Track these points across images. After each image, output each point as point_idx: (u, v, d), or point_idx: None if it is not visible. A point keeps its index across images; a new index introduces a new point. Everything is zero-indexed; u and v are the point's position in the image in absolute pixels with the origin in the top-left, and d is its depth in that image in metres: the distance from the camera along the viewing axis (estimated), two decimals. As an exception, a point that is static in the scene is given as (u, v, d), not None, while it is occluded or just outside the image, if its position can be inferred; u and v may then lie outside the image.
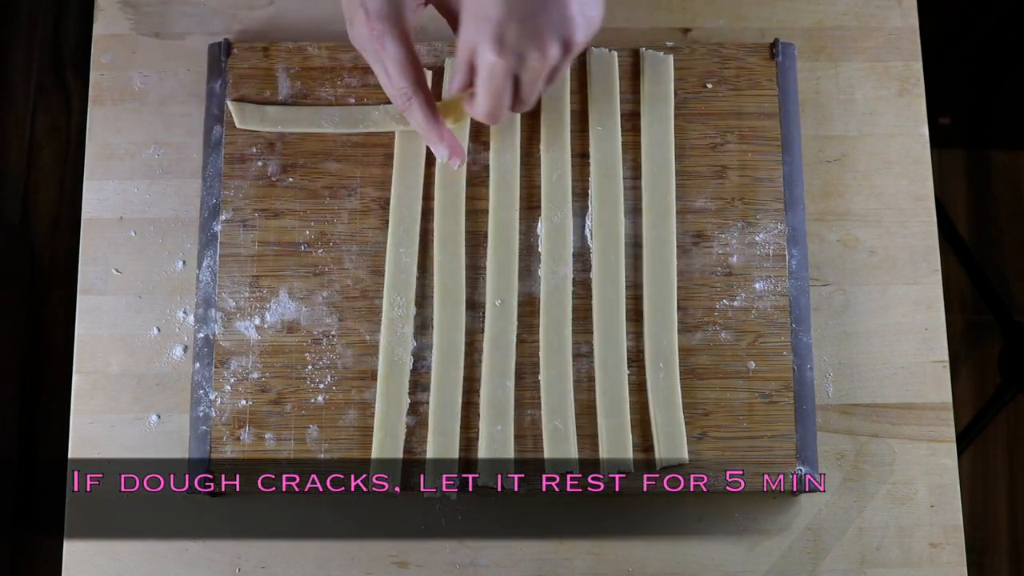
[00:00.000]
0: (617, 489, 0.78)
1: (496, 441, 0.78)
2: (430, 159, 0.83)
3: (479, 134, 0.84)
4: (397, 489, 0.77)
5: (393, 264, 0.81)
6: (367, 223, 0.82)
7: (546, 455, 0.78)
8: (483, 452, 0.78)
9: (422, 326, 0.81)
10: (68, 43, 1.75)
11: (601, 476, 0.77)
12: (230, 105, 0.84)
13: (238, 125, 0.83)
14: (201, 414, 0.79)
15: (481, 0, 0.66)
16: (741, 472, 0.78)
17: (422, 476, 0.78)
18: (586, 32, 0.68)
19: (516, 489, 0.77)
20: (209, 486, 0.78)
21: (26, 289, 1.62)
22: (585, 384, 0.80)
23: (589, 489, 0.78)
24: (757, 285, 0.81)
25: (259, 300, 0.81)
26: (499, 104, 0.72)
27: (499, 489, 0.77)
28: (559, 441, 0.78)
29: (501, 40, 0.67)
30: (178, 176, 0.86)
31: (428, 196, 0.83)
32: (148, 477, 0.80)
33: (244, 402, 0.79)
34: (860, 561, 0.80)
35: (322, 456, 0.78)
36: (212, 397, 0.79)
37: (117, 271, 0.84)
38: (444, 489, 0.77)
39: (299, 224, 0.82)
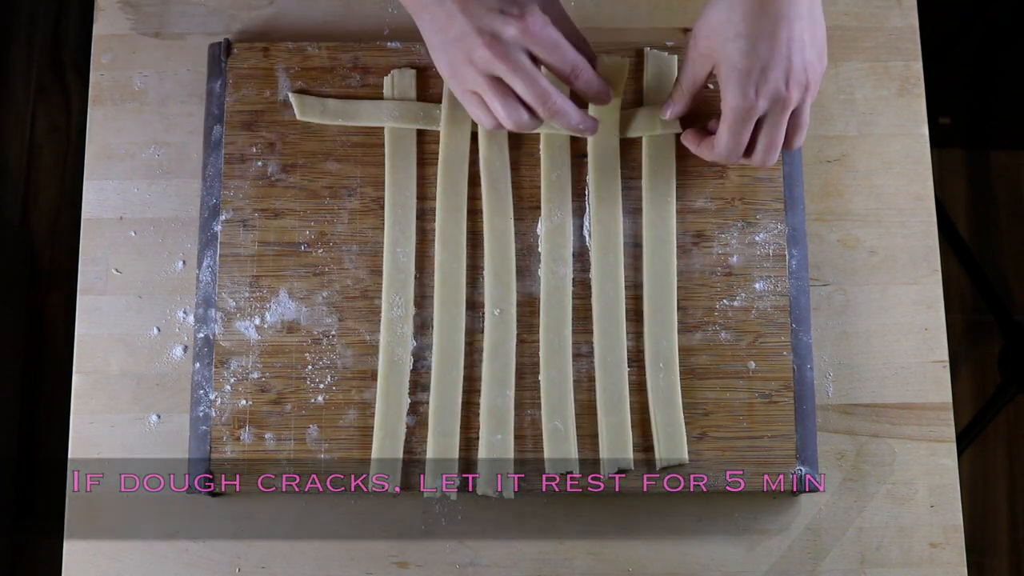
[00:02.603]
0: (617, 489, 0.78)
1: (496, 450, 0.78)
2: (423, 159, 0.83)
3: (472, 135, 0.84)
4: (397, 489, 0.77)
5: (391, 264, 0.81)
6: (367, 223, 0.82)
7: (546, 455, 0.78)
8: (483, 460, 0.77)
9: (422, 326, 0.81)
10: (68, 43, 1.75)
11: (601, 476, 0.77)
12: (291, 97, 0.84)
13: (299, 117, 0.84)
14: (201, 414, 0.79)
15: (725, 48, 0.72)
16: (741, 472, 0.78)
17: (422, 476, 0.78)
18: (818, 73, 0.74)
19: (516, 489, 0.77)
20: (209, 486, 0.78)
21: (26, 289, 1.62)
22: (585, 384, 0.80)
23: (589, 489, 0.78)
24: (757, 285, 0.81)
25: (259, 300, 0.81)
26: (738, 145, 0.75)
27: (499, 488, 0.77)
28: (559, 441, 0.78)
29: (747, 88, 0.72)
30: (178, 176, 0.86)
31: (429, 196, 0.83)
32: (148, 477, 0.80)
33: (244, 402, 0.79)
34: (860, 561, 0.80)
35: (322, 456, 0.78)
36: (212, 397, 0.79)
37: (117, 271, 0.84)
38: (444, 489, 0.77)
39: (299, 224, 0.82)
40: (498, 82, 0.73)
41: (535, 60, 0.73)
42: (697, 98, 0.79)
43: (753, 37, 0.71)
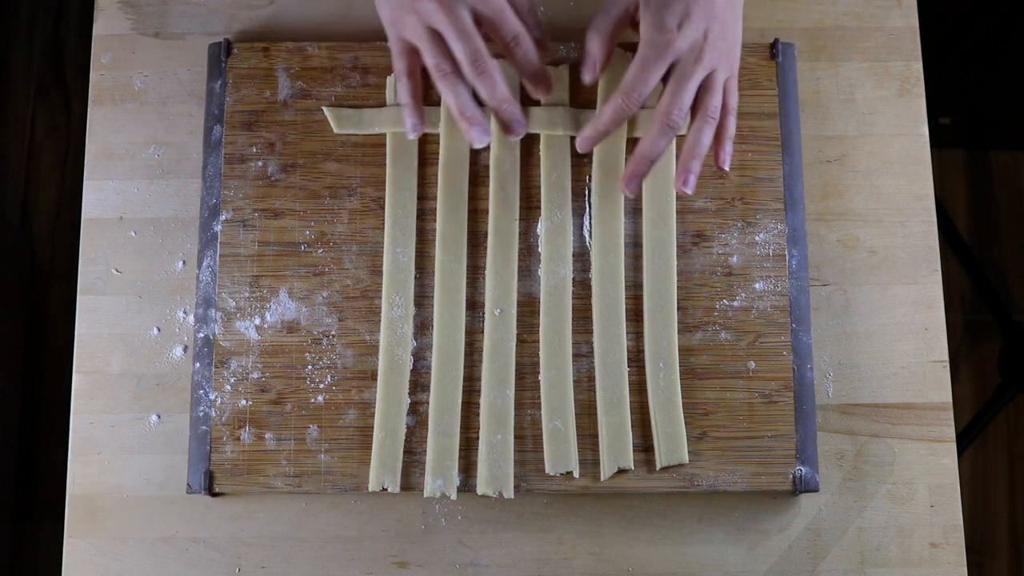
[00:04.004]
0: (617, 489, 0.78)
1: (496, 450, 0.78)
2: (423, 159, 0.83)
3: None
4: (397, 489, 0.77)
5: (391, 264, 0.81)
6: (367, 223, 0.82)
7: (546, 455, 0.78)
8: (483, 460, 0.78)
9: (422, 326, 0.81)
10: (68, 43, 1.75)
11: (601, 476, 0.77)
12: (326, 111, 0.84)
13: (336, 131, 0.83)
14: (201, 414, 0.79)
15: None
16: (741, 472, 0.78)
17: (422, 476, 0.78)
18: (736, 55, 0.76)
19: (516, 489, 0.77)
20: (209, 486, 0.78)
21: (26, 289, 1.62)
22: (585, 384, 0.80)
23: (589, 489, 0.78)
24: (757, 285, 0.81)
25: (259, 300, 0.81)
26: (645, 83, 0.74)
27: (499, 488, 0.77)
28: (559, 441, 0.78)
29: (668, 20, 0.73)
30: (178, 176, 0.86)
31: (429, 196, 0.83)
32: (148, 477, 0.80)
33: (244, 402, 0.79)
34: (860, 561, 0.80)
35: (322, 456, 0.78)
36: (212, 397, 0.79)
37: (117, 271, 0.84)
38: (444, 489, 0.77)
39: (299, 224, 0.82)
40: (436, 36, 0.74)
41: (480, 24, 0.74)
42: (613, 48, 0.78)
43: None
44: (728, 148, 0.78)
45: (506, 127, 0.78)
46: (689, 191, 0.77)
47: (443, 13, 0.72)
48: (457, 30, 0.73)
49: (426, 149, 0.84)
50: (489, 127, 0.77)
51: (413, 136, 0.80)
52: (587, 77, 0.77)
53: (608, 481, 0.78)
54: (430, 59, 0.75)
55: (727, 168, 0.79)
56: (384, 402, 0.79)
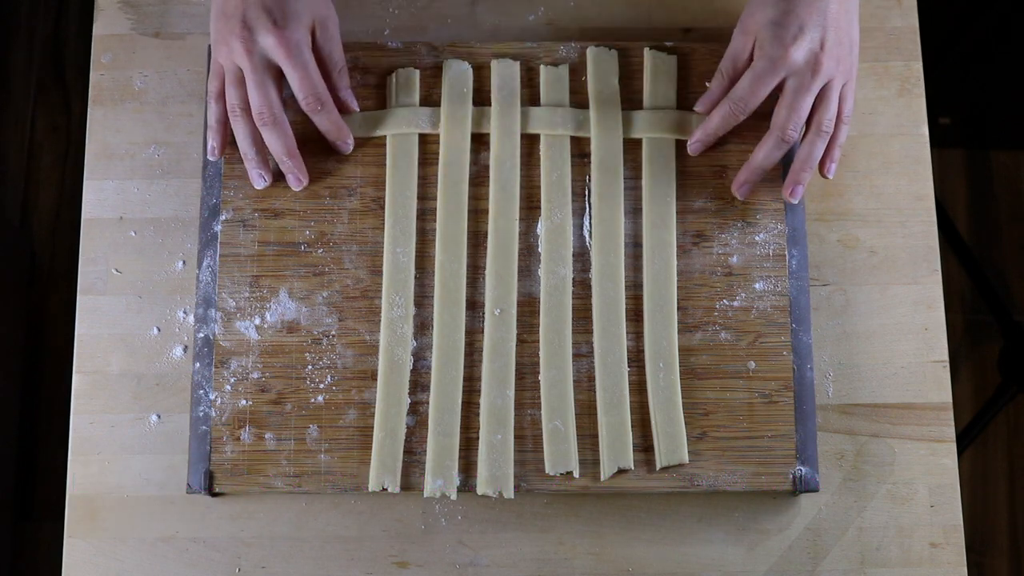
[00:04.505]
0: (617, 489, 0.78)
1: (496, 450, 0.78)
2: (424, 159, 0.83)
3: (480, 136, 0.84)
4: (397, 489, 0.77)
5: (391, 264, 0.81)
6: (367, 223, 0.82)
7: (546, 455, 0.78)
8: (483, 460, 0.78)
9: (422, 326, 0.81)
10: (68, 43, 1.75)
11: (601, 475, 0.77)
12: None
13: None
14: (201, 414, 0.79)
15: (765, 13, 0.77)
16: (741, 472, 0.78)
17: (422, 476, 0.78)
18: (855, 56, 0.79)
19: (516, 489, 0.77)
20: (209, 486, 0.78)
21: (26, 289, 1.62)
22: (585, 384, 0.80)
23: (589, 489, 0.78)
24: (757, 285, 0.81)
25: (259, 300, 0.81)
26: (756, 95, 0.78)
27: (499, 488, 0.77)
28: (559, 441, 0.78)
29: (782, 36, 0.76)
30: (178, 176, 0.86)
31: (430, 196, 0.83)
32: (148, 477, 0.80)
33: (244, 402, 0.79)
34: (860, 561, 0.80)
35: (322, 456, 0.78)
36: (212, 397, 0.79)
37: (117, 271, 0.84)
38: (444, 489, 0.77)
39: (299, 224, 0.82)
40: (240, 74, 0.78)
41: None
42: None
43: (792, 2, 0.75)
44: (836, 155, 0.81)
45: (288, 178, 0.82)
46: (795, 201, 0.81)
47: (246, 58, 0.77)
48: (255, 79, 0.77)
49: (426, 149, 0.84)
50: (267, 174, 0.81)
51: (212, 159, 0.82)
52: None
53: (608, 481, 0.78)
54: (229, 96, 0.79)
55: (831, 176, 0.81)
56: (384, 402, 0.79)
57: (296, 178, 0.81)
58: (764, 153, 0.79)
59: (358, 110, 0.83)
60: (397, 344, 0.80)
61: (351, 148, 0.83)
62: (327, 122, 0.81)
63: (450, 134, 0.83)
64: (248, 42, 0.76)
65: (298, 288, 0.81)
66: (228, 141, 0.82)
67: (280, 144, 0.80)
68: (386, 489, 0.77)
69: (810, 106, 0.78)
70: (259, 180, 0.81)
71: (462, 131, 0.83)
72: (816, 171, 0.81)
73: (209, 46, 0.86)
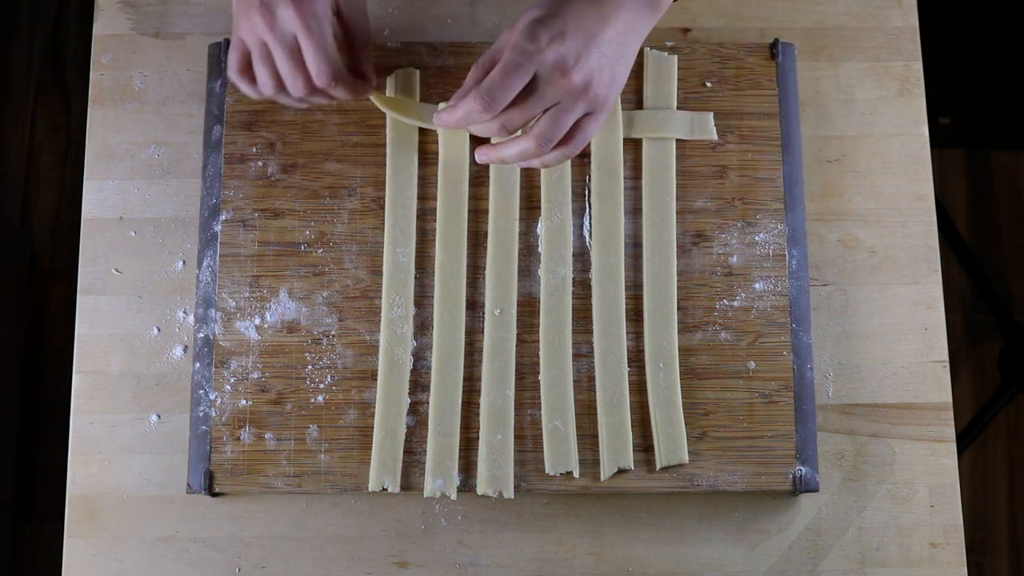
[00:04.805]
0: (617, 489, 0.78)
1: (496, 450, 0.78)
2: (424, 159, 0.83)
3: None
4: (397, 489, 0.77)
5: (391, 264, 0.81)
6: (367, 223, 0.82)
7: (546, 455, 0.78)
8: (483, 460, 0.78)
9: (422, 326, 0.81)
10: (68, 43, 1.75)
11: (601, 476, 0.77)
12: (374, 99, 0.82)
13: (395, 117, 0.83)
14: (201, 414, 0.79)
15: (531, 11, 0.70)
16: (741, 472, 0.78)
17: (422, 476, 0.78)
18: (612, 90, 0.71)
19: (516, 489, 0.77)
20: (209, 486, 0.78)
21: (26, 289, 1.62)
22: (585, 384, 0.80)
23: (589, 489, 0.78)
24: (757, 285, 0.81)
25: (259, 300, 0.81)
26: (504, 91, 0.69)
27: (499, 488, 0.77)
28: (559, 441, 0.78)
29: (538, 32, 0.69)
30: (178, 176, 0.86)
31: (430, 196, 0.83)
32: (148, 477, 0.80)
33: (244, 402, 0.79)
34: (860, 561, 0.80)
35: (322, 456, 0.78)
36: (212, 397, 0.79)
37: (117, 271, 0.84)
38: (444, 489, 0.77)
39: (299, 224, 0.82)
40: (266, 48, 0.75)
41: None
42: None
43: (563, 7, 0.70)
44: (525, 157, 0.74)
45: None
46: (479, 160, 0.76)
47: (269, 33, 0.74)
48: (281, 52, 0.74)
49: (426, 149, 0.84)
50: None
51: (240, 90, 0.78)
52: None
53: (608, 481, 0.78)
54: (260, 74, 0.76)
55: (481, 161, 0.76)
56: (384, 402, 0.79)
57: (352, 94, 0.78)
58: (513, 152, 0.73)
59: (375, 86, 0.81)
60: (397, 344, 0.80)
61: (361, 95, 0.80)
62: (340, 98, 0.78)
63: (450, 134, 0.83)
64: (268, 16, 0.74)
65: (298, 288, 0.81)
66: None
67: (325, 103, 0.79)
68: (386, 489, 0.77)
69: (568, 127, 0.71)
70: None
71: (460, 131, 0.83)
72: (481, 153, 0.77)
73: (209, 46, 0.86)
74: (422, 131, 0.84)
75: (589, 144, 0.83)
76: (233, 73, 0.77)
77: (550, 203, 0.82)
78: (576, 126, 0.71)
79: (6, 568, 1.53)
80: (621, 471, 0.78)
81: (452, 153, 0.83)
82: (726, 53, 0.86)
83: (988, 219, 1.73)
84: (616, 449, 0.78)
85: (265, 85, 0.76)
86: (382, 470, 0.77)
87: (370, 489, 0.77)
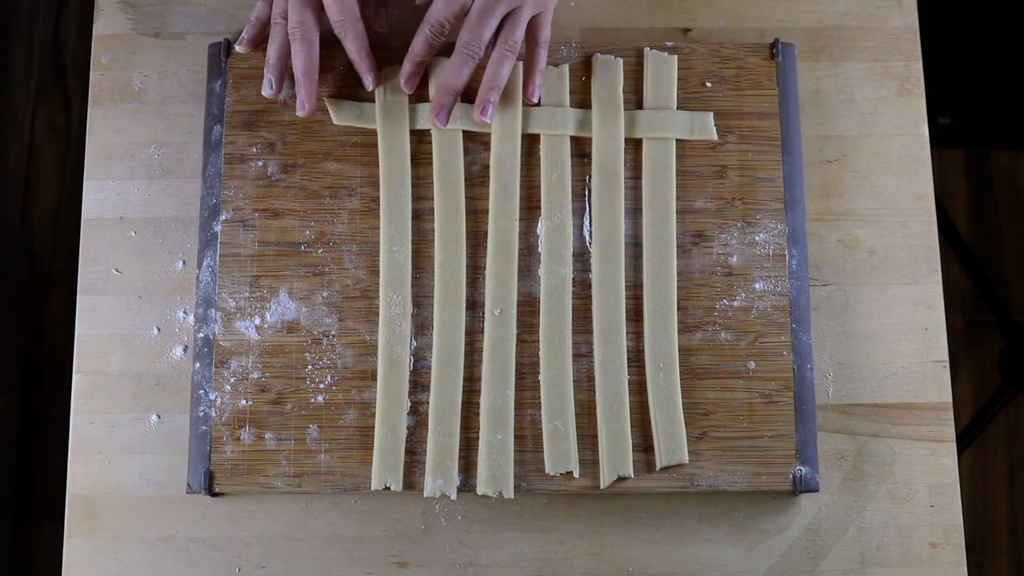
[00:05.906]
0: (617, 489, 0.78)
1: (496, 450, 0.78)
2: (424, 159, 0.83)
3: (480, 135, 0.84)
4: (400, 487, 0.77)
5: (387, 263, 0.81)
6: (367, 223, 0.82)
7: (546, 455, 0.78)
8: (483, 460, 0.78)
9: (422, 326, 0.81)
10: (68, 43, 1.75)
11: (601, 483, 0.77)
12: (326, 101, 0.84)
13: (335, 121, 0.84)
14: (201, 414, 0.79)
15: None
16: (741, 472, 0.78)
17: (422, 476, 0.78)
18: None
19: (516, 489, 0.77)
20: (209, 486, 0.78)
21: (26, 289, 1.62)
22: (585, 384, 0.80)
23: (589, 489, 0.78)
24: (757, 285, 0.81)
25: (259, 300, 0.81)
26: (450, 7, 0.78)
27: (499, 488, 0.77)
28: (559, 441, 0.78)
29: None
30: (178, 176, 0.86)
31: (429, 196, 0.83)
32: (148, 477, 0.80)
33: (244, 402, 0.79)
34: (860, 561, 0.80)
35: (322, 456, 0.78)
36: (212, 397, 0.79)
37: (117, 271, 0.84)
38: (444, 489, 0.77)
39: (299, 224, 0.82)
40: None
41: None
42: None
43: None
44: (536, 80, 0.82)
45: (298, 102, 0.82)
46: (486, 119, 0.80)
47: None
48: (295, 7, 0.80)
49: (422, 149, 0.84)
50: (277, 84, 0.82)
51: (267, 94, 0.83)
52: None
53: (608, 482, 0.78)
54: (276, 4, 0.82)
55: (535, 100, 0.82)
56: (384, 400, 0.79)
57: (303, 102, 0.81)
58: (451, 72, 0.79)
59: (385, 30, 0.85)
60: (396, 343, 0.80)
61: (372, 86, 0.83)
62: (354, 48, 0.81)
63: (441, 133, 0.83)
64: None
65: (298, 288, 0.81)
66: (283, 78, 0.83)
67: (302, 61, 0.80)
68: (388, 488, 0.77)
69: (494, 27, 0.78)
70: (267, 87, 0.82)
71: (453, 131, 0.83)
72: (524, 96, 0.82)
73: (209, 46, 0.86)
74: (420, 130, 0.84)
75: (590, 144, 0.83)
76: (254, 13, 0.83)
77: (550, 203, 0.82)
78: (519, 22, 0.79)
79: (6, 568, 1.53)
80: (621, 476, 0.78)
81: (445, 152, 0.83)
82: (726, 53, 0.86)
83: (988, 219, 1.73)
84: (616, 457, 0.78)
85: (276, 16, 0.81)
86: (384, 469, 0.77)
87: (372, 488, 0.77)
